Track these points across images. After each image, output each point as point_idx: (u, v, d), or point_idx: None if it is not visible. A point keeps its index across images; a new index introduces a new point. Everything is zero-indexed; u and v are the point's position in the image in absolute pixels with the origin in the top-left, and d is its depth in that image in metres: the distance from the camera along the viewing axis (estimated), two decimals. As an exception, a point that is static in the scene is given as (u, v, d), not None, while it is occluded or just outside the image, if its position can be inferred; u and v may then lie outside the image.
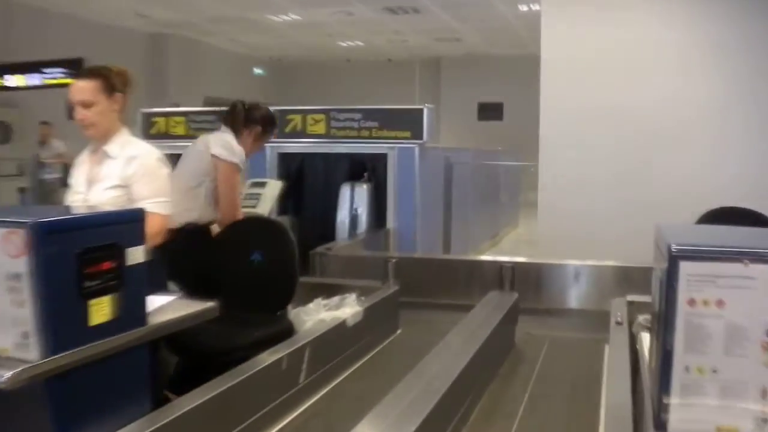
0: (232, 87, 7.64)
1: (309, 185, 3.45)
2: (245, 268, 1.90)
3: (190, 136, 3.37)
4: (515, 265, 2.35)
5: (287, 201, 3.41)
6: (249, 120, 2.06)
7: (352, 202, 3.31)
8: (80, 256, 1.08)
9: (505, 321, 1.98)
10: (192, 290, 1.63)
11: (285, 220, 3.29)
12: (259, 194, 2.62)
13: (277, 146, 3.36)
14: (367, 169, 3.37)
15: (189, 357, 1.64)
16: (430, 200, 3.55)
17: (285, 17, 6.31)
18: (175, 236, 1.71)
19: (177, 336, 1.39)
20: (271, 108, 2.14)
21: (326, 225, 3.34)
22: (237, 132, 2.05)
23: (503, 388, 1.72)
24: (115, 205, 1.48)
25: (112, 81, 1.51)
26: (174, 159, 1.84)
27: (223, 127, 2.06)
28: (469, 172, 4.54)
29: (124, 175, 1.50)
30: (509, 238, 5.86)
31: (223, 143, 2.00)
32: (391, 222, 3.29)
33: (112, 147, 1.52)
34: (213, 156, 1.99)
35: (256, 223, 2.03)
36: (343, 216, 3.29)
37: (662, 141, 3.04)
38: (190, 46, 7.49)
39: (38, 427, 1.08)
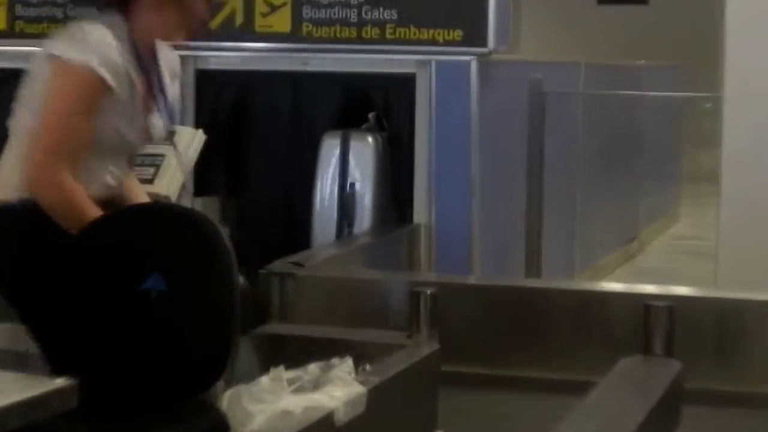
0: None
1: (259, 138, 3.55)
2: (132, 308, 1.95)
3: (20, 34, 3.49)
4: (674, 304, 2.37)
5: (215, 169, 3.49)
6: None
7: (344, 169, 3.37)
8: None
9: (659, 421, 2.01)
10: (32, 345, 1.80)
11: (211, 208, 3.39)
12: (157, 158, 2.70)
13: (194, 58, 3.42)
14: (375, 108, 3.45)
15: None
16: (500, 169, 3.62)
17: None
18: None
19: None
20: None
21: (293, 215, 3.44)
22: (116, 8, 2.07)
23: None
24: None
25: None
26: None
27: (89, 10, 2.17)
28: (581, 111, 4.61)
29: None
30: (660, 244, 5.94)
31: (71, 33, 2.03)
32: (422, 211, 3.36)
33: None
34: (49, 57, 2.00)
35: (152, 215, 2.10)
36: (325, 198, 3.37)
37: None
38: None
39: None
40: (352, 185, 3.35)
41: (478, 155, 3.38)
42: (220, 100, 3.55)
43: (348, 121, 3.43)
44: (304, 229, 3.34)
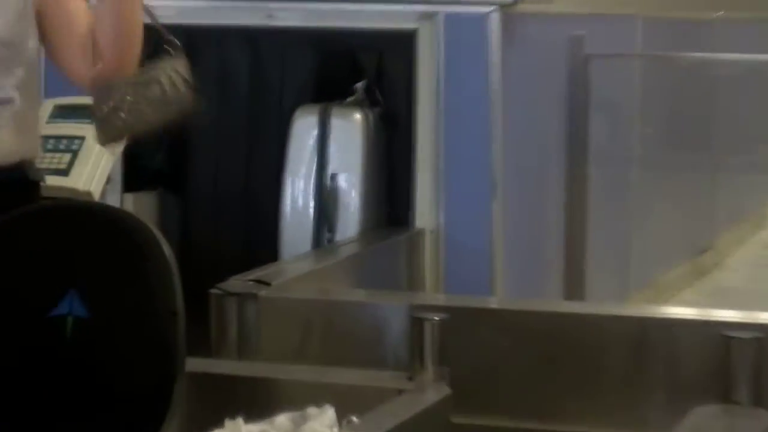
0: None
1: (209, 116, 3.52)
2: (42, 340, 1.96)
3: None
4: (763, 335, 2.37)
5: (151, 156, 3.55)
6: None
7: (323, 157, 3.41)
8: None
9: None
10: None
11: (146, 207, 3.44)
12: (74, 141, 2.74)
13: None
14: (364, 75, 3.48)
15: None
16: (531, 158, 3.64)
17: None
18: None
19: None
20: None
21: (254, 217, 3.49)
22: None
23: None
24: None
25: None
26: None
27: None
28: (638, 80, 4.62)
29: None
30: (742, 255, 5.97)
31: None
32: (426, 213, 3.39)
33: None
34: None
35: (65, 217, 2.11)
36: (298, 194, 3.41)
37: None
38: None
39: None
40: (334, 178, 3.37)
41: (500, 139, 3.38)
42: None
43: (328, 93, 3.43)
44: (270, 235, 3.35)
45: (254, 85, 3.52)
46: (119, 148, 2.67)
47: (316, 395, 2.17)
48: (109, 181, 2.85)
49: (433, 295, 3.33)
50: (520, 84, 3.48)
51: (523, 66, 3.50)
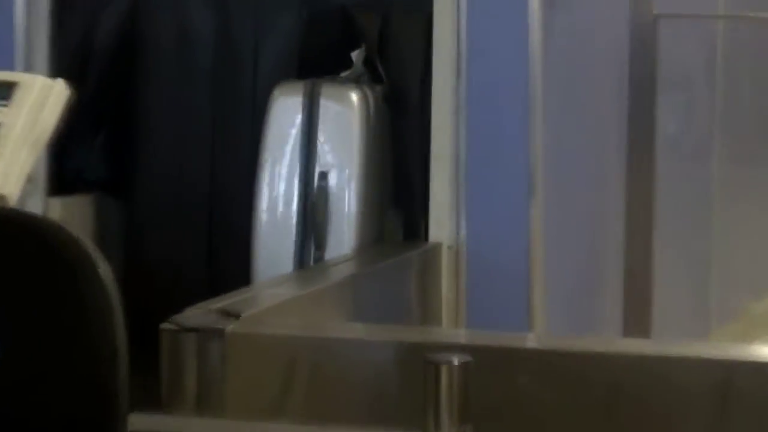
0: None
1: (161, 97, 3.63)
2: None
3: None
4: None
5: (86, 149, 3.58)
6: None
7: (310, 149, 3.45)
8: None
9: None
10: None
11: (78, 214, 3.47)
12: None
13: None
14: (363, 43, 3.52)
15: None
16: (580, 152, 3.67)
17: None
18: None
19: None
20: None
21: (220, 227, 3.55)
22: None
23: None
24: None
25: None
26: None
27: None
28: (721, 49, 4.65)
29: None
30: None
31: None
32: (444, 222, 3.43)
33: None
34: None
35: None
36: (277, 198, 3.44)
37: None
38: None
39: None
40: (324, 177, 3.39)
41: (541, 126, 3.40)
42: (92, 30, 3.59)
43: (316, 66, 3.47)
44: (240, 251, 3.38)
45: (220, 55, 3.55)
46: (42, 140, 2.69)
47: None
48: (29, 181, 2.85)
49: (452, 330, 3.36)
50: (567, 54, 3.49)
51: (572, 30, 3.52)
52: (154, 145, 3.64)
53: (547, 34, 3.37)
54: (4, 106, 2.45)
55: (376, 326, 3.04)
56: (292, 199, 3.38)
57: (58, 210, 3.36)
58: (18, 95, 2.43)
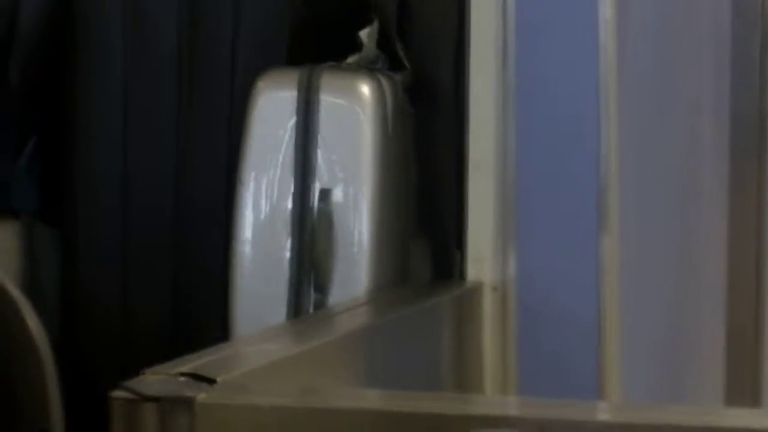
0: None
1: (109, 92, 3.67)
2: None
3: None
4: None
5: (11, 160, 3.65)
6: None
7: (306, 156, 3.45)
8: None
9: None
10: None
11: (4, 249, 3.51)
12: None
13: None
14: (378, 17, 3.53)
15: None
16: (665, 158, 3.67)
17: None
18: None
19: None
20: None
21: (189, 262, 3.59)
22: None
23: None
24: None
25: None
26: None
27: None
28: None
29: None
30: None
31: None
32: (486, 257, 3.45)
33: None
34: None
35: None
36: (264, 223, 3.45)
37: None
38: None
39: None
40: (326, 195, 3.39)
41: (615, 129, 3.41)
42: (14, 5, 3.63)
43: (314, 48, 3.50)
44: (214, 294, 3.40)
45: (187, 33, 3.59)
46: None
47: None
48: None
49: (498, 398, 3.37)
50: (651, 30, 3.50)
51: (653, 8, 3.56)
52: (98, 157, 3.66)
53: (620, 6, 3.39)
54: None
55: (396, 393, 3.02)
56: (283, 225, 3.38)
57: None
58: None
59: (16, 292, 2.01)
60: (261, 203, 3.41)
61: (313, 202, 3.38)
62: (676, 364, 3.83)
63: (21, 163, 3.69)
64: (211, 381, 2.70)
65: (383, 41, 3.48)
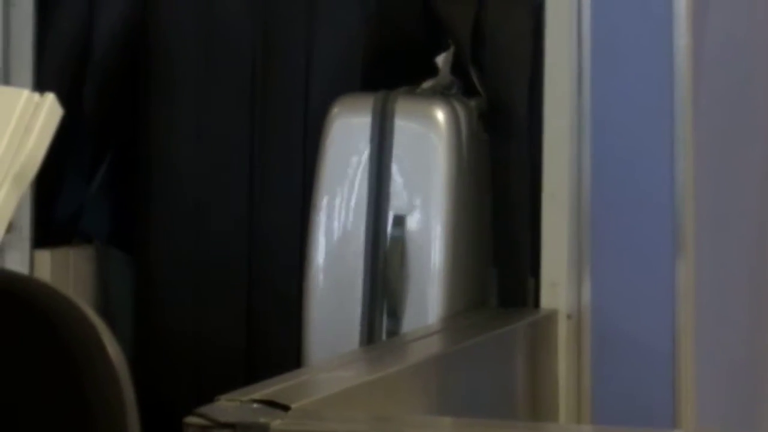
0: None
1: (181, 116, 3.67)
2: None
3: None
4: None
5: (84, 187, 3.64)
6: None
7: (380, 182, 3.45)
8: None
9: None
10: None
11: (74, 272, 3.50)
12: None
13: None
14: (453, 42, 3.52)
15: None
16: (745, 181, 3.68)
17: None
18: None
19: None
20: None
21: (262, 285, 3.56)
22: None
23: None
24: None
25: None
26: None
27: None
28: None
29: None
30: None
31: None
32: (560, 285, 3.43)
33: None
34: None
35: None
36: (336, 249, 3.45)
37: None
38: None
39: None
40: (400, 222, 3.39)
41: (691, 154, 3.40)
42: (88, 29, 3.66)
43: (388, 74, 3.49)
44: (288, 321, 3.40)
45: (261, 59, 3.58)
46: (28, 173, 2.70)
47: None
48: (10, 230, 2.87)
49: (574, 426, 3.37)
50: (729, 51, 3.48)
51: (736, 19, 3.52)
52: (173, 182, 3.67)
53: (696, 30, 3.38)
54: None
55: (469, 421, 3.03)
56: (357, 253, 3.38)
57: (47, 266, 3.39)
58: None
59: (96, 319, 1.99)
60: (334, 229, 3.41)
61: (386, 228, 3.39)
62: (751, 393, 3.80)
63: (93, 188, 3.71)
64: (285, 408, 2.70)
65: (457, 67, 3.48)
